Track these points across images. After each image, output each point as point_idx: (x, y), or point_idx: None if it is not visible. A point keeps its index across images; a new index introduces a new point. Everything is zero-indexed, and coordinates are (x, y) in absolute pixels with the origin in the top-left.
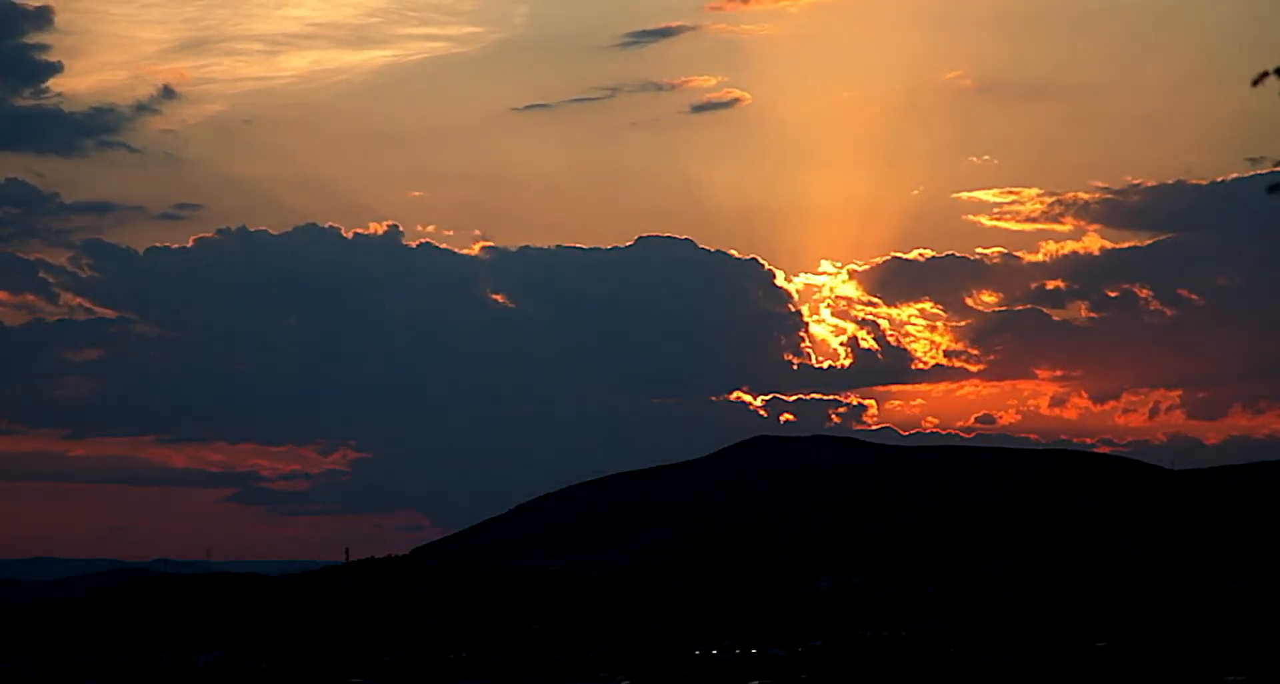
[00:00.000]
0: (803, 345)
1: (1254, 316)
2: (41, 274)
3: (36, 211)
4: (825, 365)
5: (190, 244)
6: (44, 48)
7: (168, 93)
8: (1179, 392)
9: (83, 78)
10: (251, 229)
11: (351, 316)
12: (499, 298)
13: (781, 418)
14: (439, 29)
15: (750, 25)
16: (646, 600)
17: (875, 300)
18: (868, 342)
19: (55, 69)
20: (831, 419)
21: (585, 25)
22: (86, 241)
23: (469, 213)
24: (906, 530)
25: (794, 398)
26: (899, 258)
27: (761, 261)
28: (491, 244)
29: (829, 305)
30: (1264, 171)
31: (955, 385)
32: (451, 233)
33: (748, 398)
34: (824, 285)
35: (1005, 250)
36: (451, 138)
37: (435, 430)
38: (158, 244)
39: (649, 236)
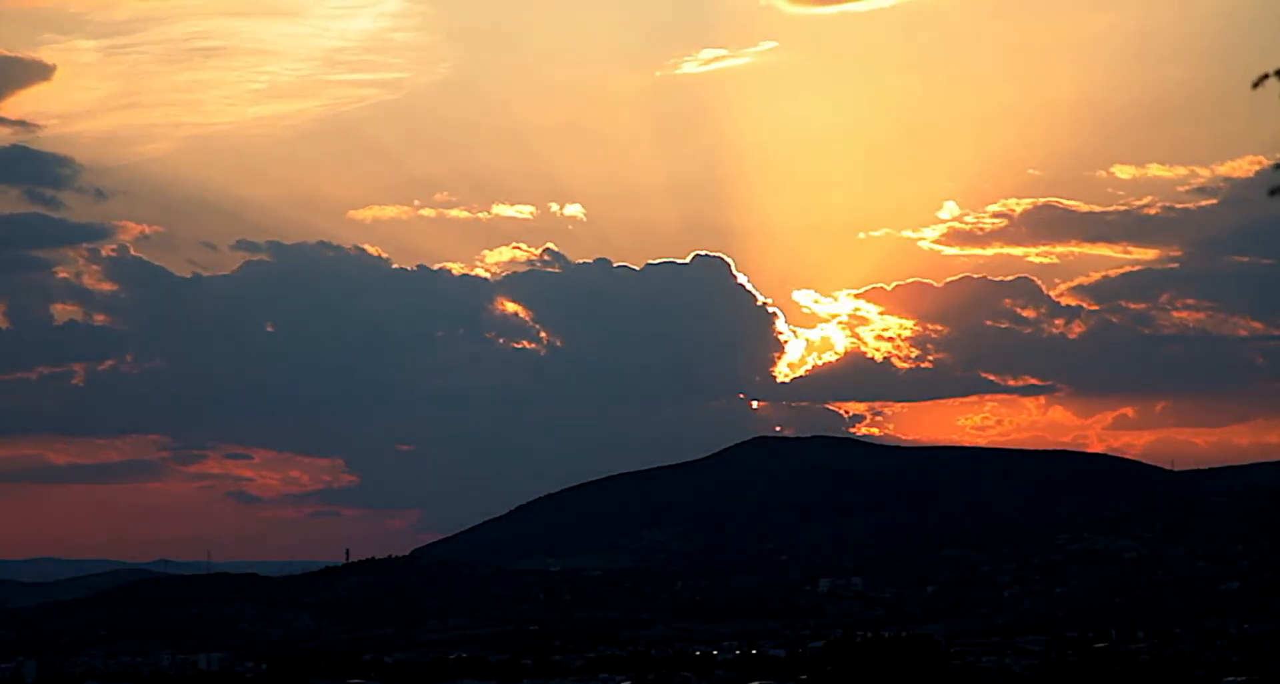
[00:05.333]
0: (803, 357)
1: (1252, 324)
2: (47, 283)
3: (42, 229)
4: (824, 375)
5: (187, 260)
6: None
7: (136, 131)
8: (1170, 401)
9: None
10: (237, 248)
11: (351, 322)
12: (503, 307)
13: (781, 429)
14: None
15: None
16: (646, 600)
17: (874, 314)
18: (866, 354)
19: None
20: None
21: None
22: (93, 255)
23: (475, 221)
24: (906, 530)
25: (794, 404)
26: (898, 275)
27: (750, 280)
28: (497, 257)
29: (841, 323)
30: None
31: (953, 398)
32: (468, 246)
33: (748, 402)
34: (824, 299)
35: (1003, 265)
36: (442, 158)
37: (435, 432)
38: (155, 259)
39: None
